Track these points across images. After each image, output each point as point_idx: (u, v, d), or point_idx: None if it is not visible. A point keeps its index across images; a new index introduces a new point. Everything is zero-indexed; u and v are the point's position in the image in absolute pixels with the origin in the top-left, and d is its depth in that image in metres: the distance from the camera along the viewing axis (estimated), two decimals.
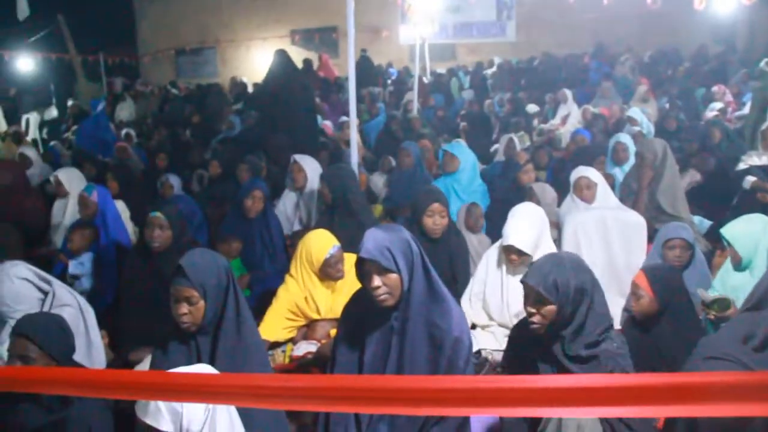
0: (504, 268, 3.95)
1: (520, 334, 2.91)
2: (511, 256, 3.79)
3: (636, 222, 4.44)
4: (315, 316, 3.86)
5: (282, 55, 7.82)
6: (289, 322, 3.82)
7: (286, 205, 5.59)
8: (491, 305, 3.96)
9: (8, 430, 2.61)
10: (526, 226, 3.80)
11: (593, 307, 2.58)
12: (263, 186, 4.95)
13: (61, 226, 5.85)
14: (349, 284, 3.80)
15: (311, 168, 5.50)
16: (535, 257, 3.85)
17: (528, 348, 2.77)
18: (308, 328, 3.87)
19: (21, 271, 3.53)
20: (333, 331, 3.81)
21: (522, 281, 2.66)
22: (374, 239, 2.61)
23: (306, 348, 3.70)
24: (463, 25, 19.72)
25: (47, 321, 2.78)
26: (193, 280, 2.57)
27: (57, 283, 3.70)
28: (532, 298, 2.64)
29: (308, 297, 3.83)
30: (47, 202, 6.32)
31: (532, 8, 18.19)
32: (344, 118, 10.91)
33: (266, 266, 4.72)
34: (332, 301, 3.85)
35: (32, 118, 12.98)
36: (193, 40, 20.45)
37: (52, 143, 10.39)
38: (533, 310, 2.64)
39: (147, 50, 21.57)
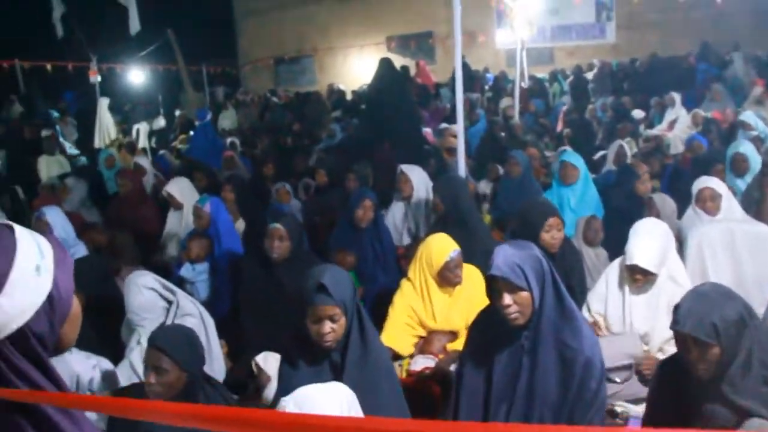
0: (626, 287, 3.79)
1: (671, 373, 2.63)
2: (636, 276, 3.63)
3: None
4: (431, 323, 3.83)
5: (386, 63, 7.84)
6: (410, 330, 3.81)
7: (395, 215, 5.59)
8: (613, 326, 3.81)
9: None
10: (652, 244, 3.62)
11: (757, 335, 2.40)
12: (372, 195, 4.96)
13: (175, 236, 6.04)
14: (466, 292, 3.83)
15: (418, 178, 5.49)
16: (660, 275, 3.69)
17: (686, 387, 2.51)
18: (424, 342, 3.84)
19: (148, 281, 3.66)
20: (449, 345, 3.78)
21: (675, 330, 2.43)
22: (504, 256, 2.56)
23: (423, 363, 3.67)
24: (562, 27, 19.29)
25: (179, 334, 2.85)
26: (336, 298, 2.57)
27: (180, 294, 3.82)
28: (691, 344, 2.38)
29: (425, 300, 3.82)
30: (161, 210, 6.56)
31: (632, 8, 17.64)
32: (444, 125, 10.88)
33: (379, 278, 4.72)
34: (449, 308, 3.82)
35: (142, 128, 13.53)
36: (291, 49, 20.90)
37: (160, 152, 10.79)
38: (696, 358, 2.38)
39: (247, 60, 22.21)
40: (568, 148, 7.83)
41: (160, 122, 14.23)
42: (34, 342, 1.23)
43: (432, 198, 5.09)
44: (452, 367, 3.58)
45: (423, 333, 3.87)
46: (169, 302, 3.75)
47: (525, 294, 2.53)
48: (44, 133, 9.50)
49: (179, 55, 13.34)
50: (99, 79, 11.76)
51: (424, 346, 3.81)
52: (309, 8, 20.73)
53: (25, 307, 1.21)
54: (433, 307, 3.82)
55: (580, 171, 5.38)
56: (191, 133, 11.82)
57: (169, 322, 3.67)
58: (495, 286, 2.58)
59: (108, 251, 5.37)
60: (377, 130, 7.33)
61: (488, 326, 2.75)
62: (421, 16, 20.27)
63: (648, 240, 3.62)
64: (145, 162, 8.14)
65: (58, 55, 14.87)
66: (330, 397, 2.14)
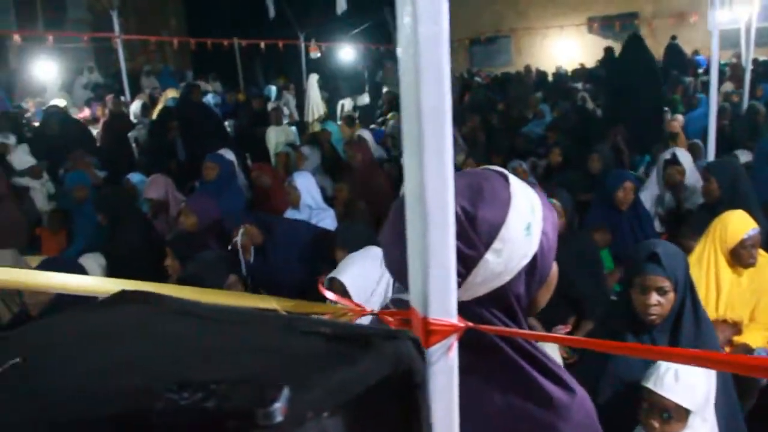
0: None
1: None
2: None
3: None
4: (712, 306, 3.56)
5: (635, 41, 7.49)
6: None
7: (645, 201, 5.28)
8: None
9: None
10: None
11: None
12: (633, 177, 4.73)
13: None
14: (757, 279, 3.57)
15: (689, 163, 5.13)
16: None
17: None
18: None
19: None
20: (736, 338, 3.51)
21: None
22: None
23: None
24: None
25: None
26: (668, 270, 2.44)
27: None
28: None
29: (710, 279, 3.59)
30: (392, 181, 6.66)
31: None
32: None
33: None
34: (735, 292, 3.55)
35: (346, 103, 13.94)
36: (488, 30, 20.65)
37: (371, 126, 11.02)
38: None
39: None
40: None
41: (365, 99, 14.57)
42: (513, 300, 1.15)
43: (701, 183, 4.73)
44: None
45: None
46: None
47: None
48: (271, 105, 9.97)
49: (395, 32, 13.62)
50: (318, 55, 12.19)
51: None
52: None
53: (510, 268, 1.11)
54: (719, 287, 3.58)
55: None
56: (396, 111, 11.97)
57: None
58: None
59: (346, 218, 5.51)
60: (616, 111, 6.99)
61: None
62: None
63: None
64: (366, 135, 8.31)
65: (270, 34, 15.63)
66: None
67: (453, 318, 0.97)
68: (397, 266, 1.12)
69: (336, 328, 0.71)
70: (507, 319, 1.16)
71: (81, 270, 3.48)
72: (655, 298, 2.45)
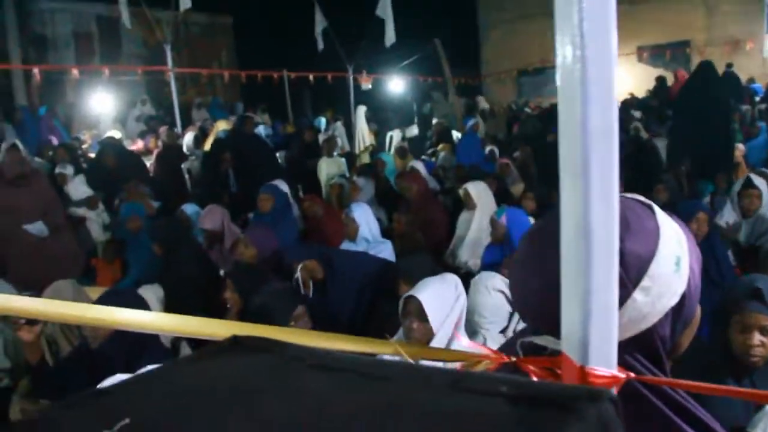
0: None
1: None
2: None
3: None
4: None
5: (707, 67, 7.32)
6: None
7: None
8: None
9: None
10: None
11: None
12: (707, 208, 4.52)
13: (465, 238, 5.96)
14: None
15: (765, 188, 4.89)
16: None
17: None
18: None
19: (497, 283, 3.52)
20: None
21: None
22: None
23: None
24: None
25: None
26: None
27: None
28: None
29: None
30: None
31: None
32: None
33: (714, 297, 4.26)
34: None
35: (395, 135, 13.88)
36: (534, 61, 20.49)
37: (423, 157, 10.93)
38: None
39: (489, 71, 22.19)
40: None
41: (413, 131, 14.48)
42: (658, 344, 1.02)
43: None
44: None
45: None
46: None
47: None
48: (323, 136, 9.96)
49: (446, 64, 13.57)
50: (369, 86, 12.19)
51: None
52: (554, 19, 20.30)
53: (658, 308, 0.99)
54: None
55: None
56: (447, 142, 11.89)
57: (511, 327, 3.51)
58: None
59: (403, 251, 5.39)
60: (685, 139, 6.79)
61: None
62: (676, 25, 19.09)
63: None
64: (419, 166, 8.22)
65: (319, 66, 15.75)
66: None
67: (613, 368, 0.85)
68: (534, 305, 1.00)
69: (517, 387, 0.59)
70: (651, 365, 1.02)
71: (142, 303, 3.42)
72: (758, 338, 2.28)
